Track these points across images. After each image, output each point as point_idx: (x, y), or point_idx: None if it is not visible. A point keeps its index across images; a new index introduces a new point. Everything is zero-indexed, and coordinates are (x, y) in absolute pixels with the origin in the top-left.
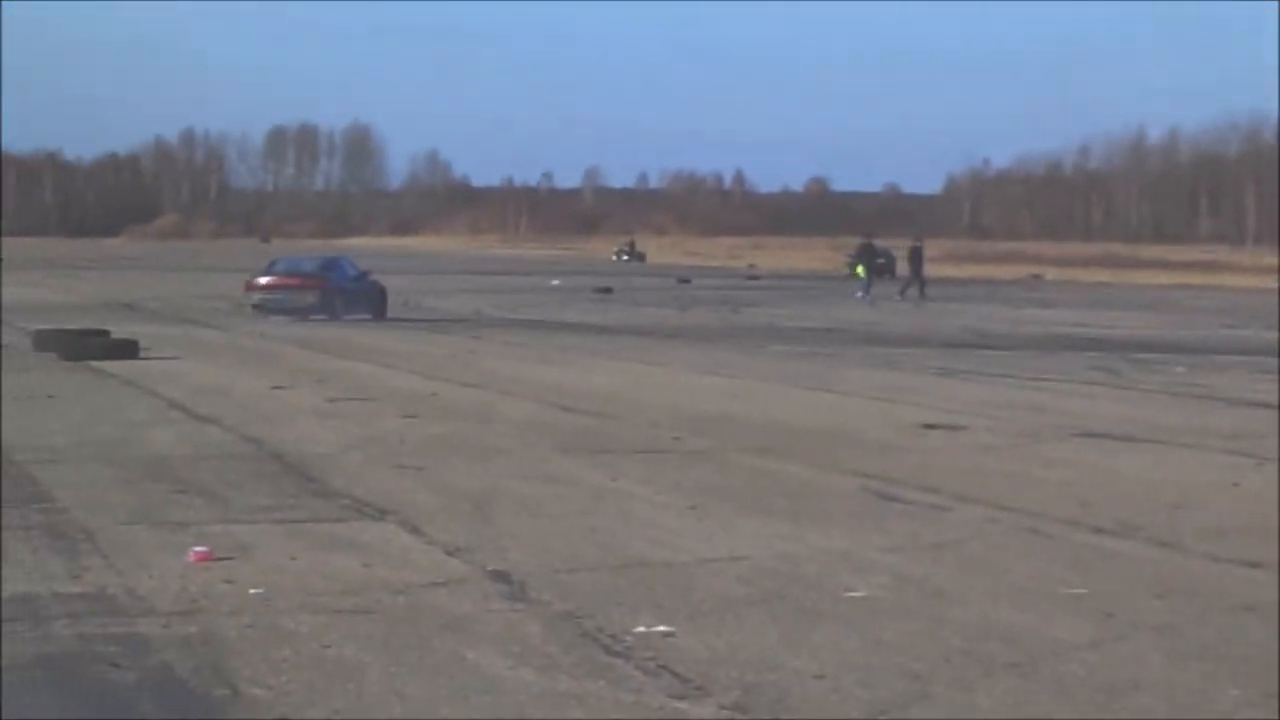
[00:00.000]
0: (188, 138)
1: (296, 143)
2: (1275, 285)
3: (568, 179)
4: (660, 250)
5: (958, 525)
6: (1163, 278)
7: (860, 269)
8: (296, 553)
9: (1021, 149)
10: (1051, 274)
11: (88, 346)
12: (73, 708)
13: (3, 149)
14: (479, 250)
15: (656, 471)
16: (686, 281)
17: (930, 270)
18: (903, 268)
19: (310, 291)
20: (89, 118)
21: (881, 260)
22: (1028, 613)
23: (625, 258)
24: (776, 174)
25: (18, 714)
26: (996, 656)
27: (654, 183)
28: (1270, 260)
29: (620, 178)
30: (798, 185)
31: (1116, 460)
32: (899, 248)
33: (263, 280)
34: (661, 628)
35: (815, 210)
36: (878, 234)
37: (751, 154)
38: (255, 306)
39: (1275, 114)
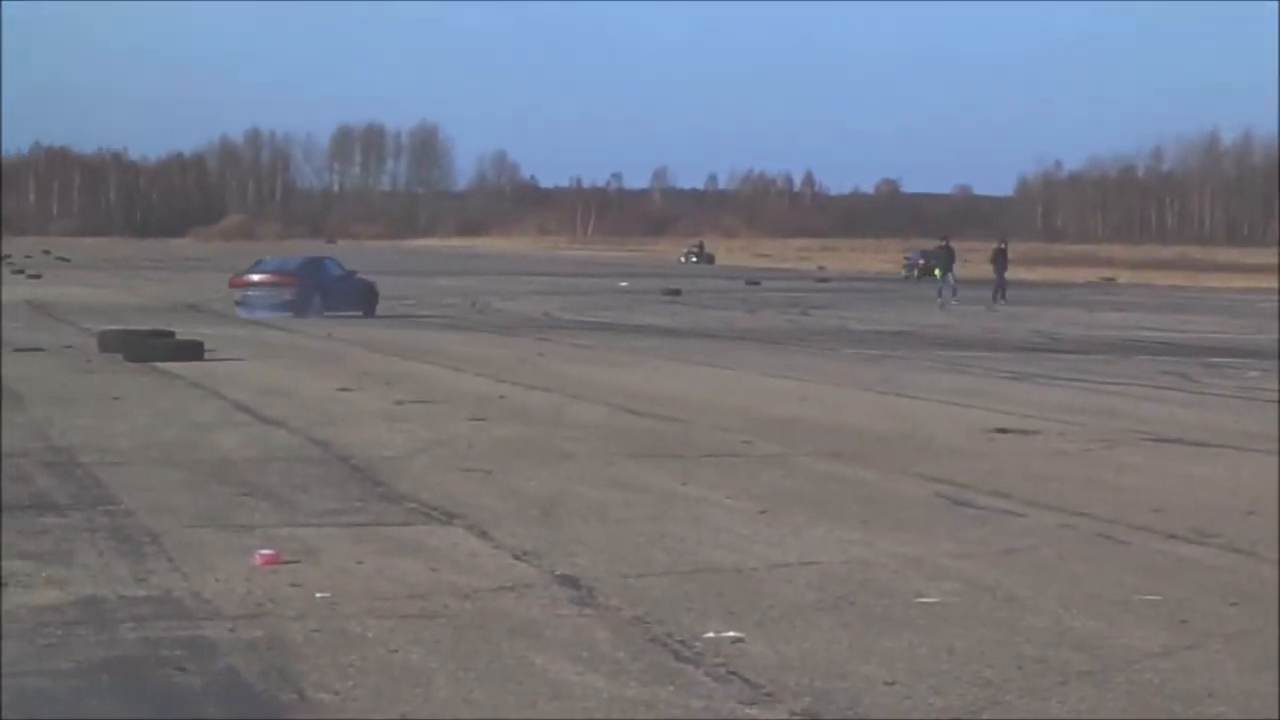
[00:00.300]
0: (253, 138)
1: (363, 143)
2: None
3: (636, 180)
4: (729, 252)
5: (1030, 531)
6: (1237, 281)
7: (938, 271)
8: (363, 556)
9: (1094, 151)
10: (1124, 277)
11: (153, 348)
12: (138, 711)
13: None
14: (546, 251)
15: (726, 476)
16: (755, 284)
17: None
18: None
19: (287, 289)
20: (154, 118)
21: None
22: (1100, 620)
23: (694, 260)
24: (847, 175)
25: (83, 716)
26: (1069, 664)
27: (723, 184)
28: None
29: (689, 179)
30: (868, 187)
31: (1190, 466)
32: (979, 251)
33: (245, 278)
34: (731, 633)
35: (886, 212)
36: (952, 236)
37: (822, 155)
38: (238, 303)
39: None
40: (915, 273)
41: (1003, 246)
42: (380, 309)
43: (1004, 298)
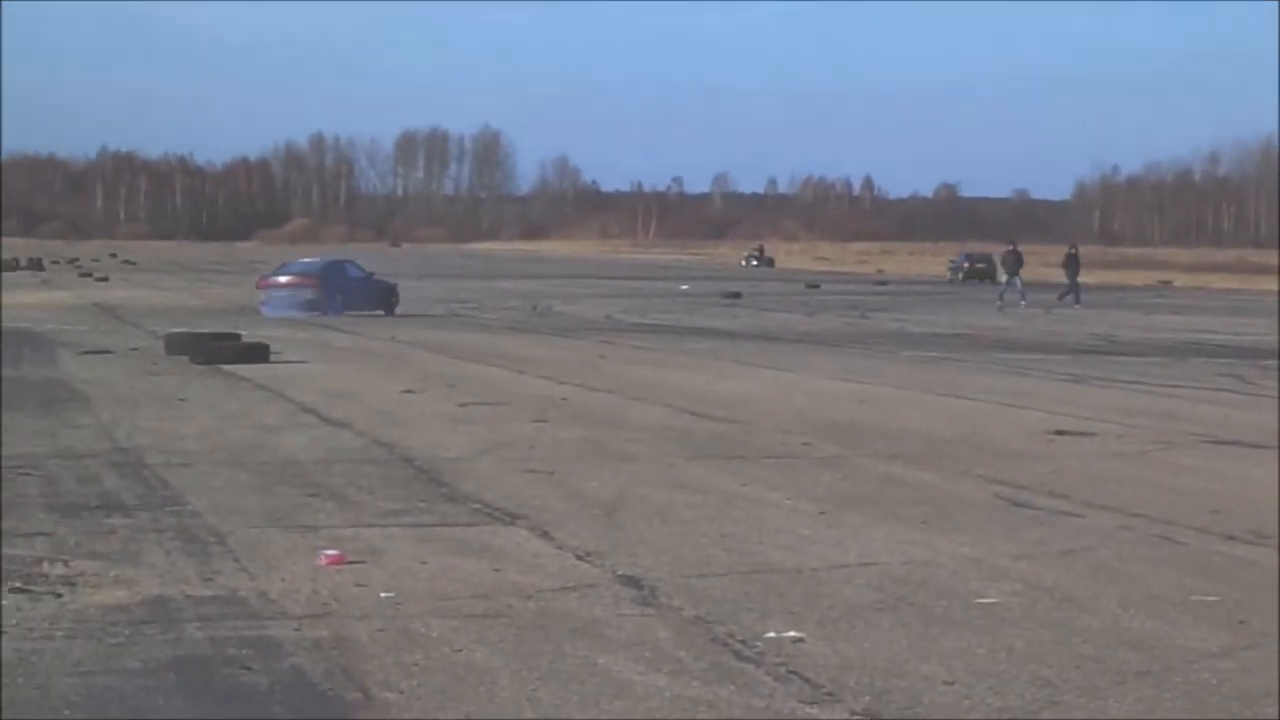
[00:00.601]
0: (318, 143)
1: (426, 147)
2: None
3: (697, 184)
4: (789, 256)
5: (1088, 532)
6: None
7: (1005, 275)
8: (427, 557)
9: (1151, 155)
10: (1181, 280)
11: (219, 350)
12: (205, 710)
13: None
14: (608, 255)
15: (786, 477)
16: (815, 287)
17: (1059, 276)
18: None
19: (309, 289)
20: (220, 122)
21: (982, 265)
22: (1159, 620)
23: (754, 263)
24: (906, 179)
25: (152, 716)
26: (1128, 664)
27: (783, 188)
28: None
29: (750, 183)
30: (927, 191)
31: (1247, 468)
32: (1035, 255)
33: (271, 279)
34: (792, 633)
35: (944, 216)
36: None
37: (881, 159)
38: (262, 303)
39: None
40: (960, 275)
41: (1074, 251)
42: (443, 311)
43: (1078, 301)
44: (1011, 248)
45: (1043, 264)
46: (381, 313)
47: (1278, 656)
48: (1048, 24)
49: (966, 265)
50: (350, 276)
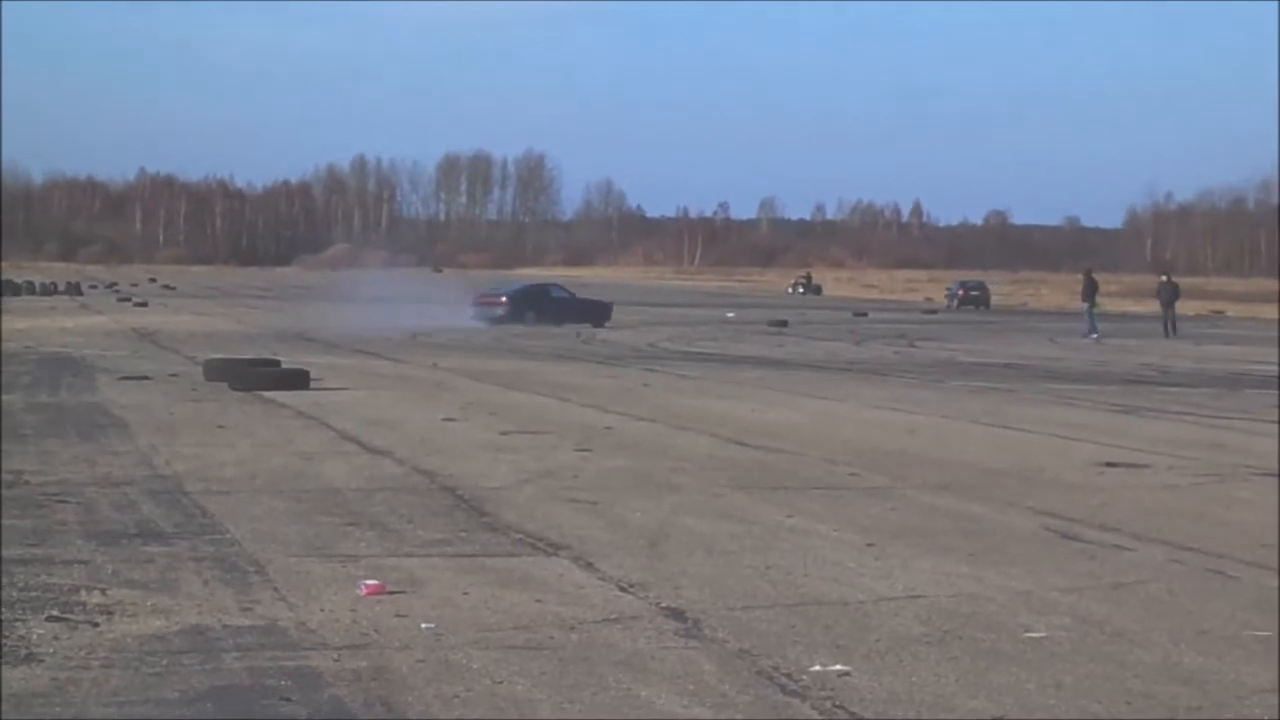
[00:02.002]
0: (359, 166)
1: (470, 171)
2: None
3: (744, 210)
4: (837, 283)
5: (1139, 566)
6: None
7: (1099, 301)
8: (468, 587)
9: (1204, 183)
10: (1233, 310)
11: (258, 376)
12: None
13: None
14: (653, 282)
15: (833, 508)
16: (863, 315)
17: (1111, 305)
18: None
19: (500, 308)
20: (260, 145)
21: (976, 292)
22: (1210, 656)
23: (801, 290)
24: (956, 206)
25: None
26: (1179, 700)
27: (831, 214)
28: None
29: (797, 209)
30: (977, 218)
31: None
32: (1106, 284)
33: (483, 297)
34: (838, 667)
35: (995, 243)
36: (1060, 267)
37: (930, 186)
38: (472, 315)
39: None
40: (954, 303)
41: (1170, 281)
42: (484, 339)
43: (1174, 331)
44: (1087, 273)
45: (1107, 293)
46: (589, 325)
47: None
48: (1100, 49)
49: (960, 293)
50: (552, 297)
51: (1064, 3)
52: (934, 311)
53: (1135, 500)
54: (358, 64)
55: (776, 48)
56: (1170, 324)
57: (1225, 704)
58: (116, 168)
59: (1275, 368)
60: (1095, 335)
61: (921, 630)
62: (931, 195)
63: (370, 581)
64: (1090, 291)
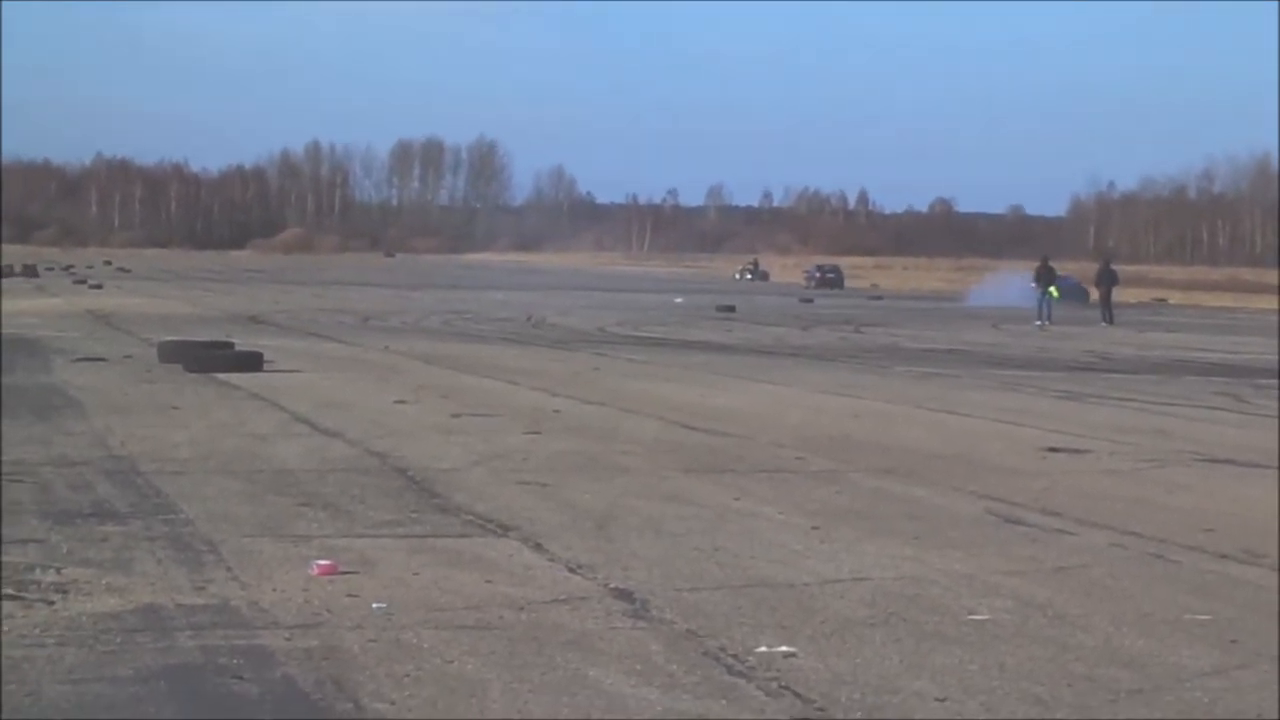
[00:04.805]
0: (313, 151)
1: (422, 157)
2: None
3: (692, 197)
4: (784, 269)
5: (1081, 550)
6: None
7: (1054, 290)
8: (419, 567)
9: (1146, 172)
10: (1176, 298)
11: (212, 358)
12: (196, 719)
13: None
14: (602, 267)
15: (780, 491)
16: (809, 301)
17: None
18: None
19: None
20: (215, 130)
21: (832, 275)
22: (1151, 638)
23: (748, 276)
24: (901, 194)
25: None
26: (1120, 682)
27: (778, 201)
28: None
29: (744, 196)
30: (922, 205)
31: (1241, 487)
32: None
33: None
34: (784, 648)
35: (939, 231)
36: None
37: (876, 174)
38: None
39: None
40: (813, 284)
41: (1109, 267)
42: (436, 323)
43: (1110, 318)
44: (1044, 262)
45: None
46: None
47: (1277, 676)
48: (1044, 40)
49: (819, 275)
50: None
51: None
52: (880, 298)
53: (1077, 485)
54: (311, 52)
55: (726, 42)
56: (1108, 309)
57: (1166, 686)
58: (72, 151)
59: (1217, 355)
60: (1039, 324)
61: (866, 612)
62: (877, 183)
63: (322, 561)
64: (1047, 279)
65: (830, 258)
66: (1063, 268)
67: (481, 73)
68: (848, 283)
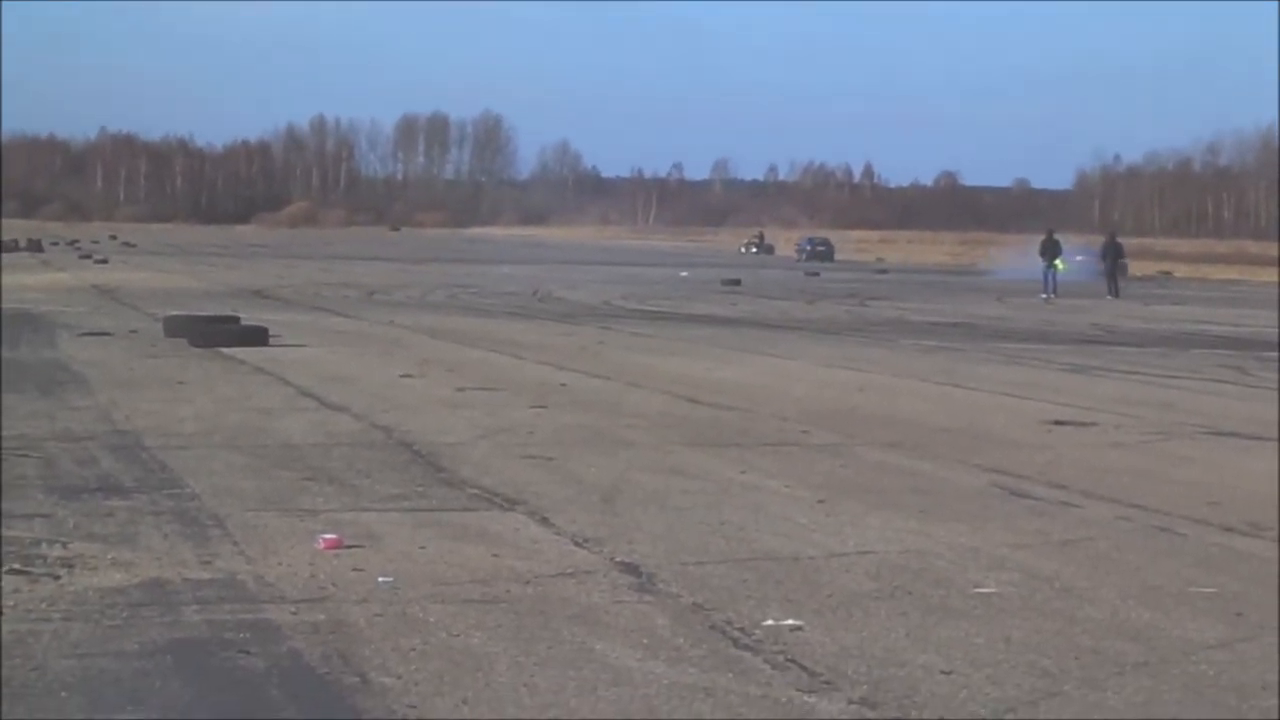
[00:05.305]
0: (318, 125)
1: (427, 131)
2: None
3: (697, 171)
4: (789, 243)
5: (1087, 523)
6: None
7: (1060, 262)
8: (425, 541)
9: (1152, 145)
10: (1181, 271)
11: (218, 333)
12: (202, 693)
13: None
14: (608, 241)
15: (785, 465)
16: (815, 274)
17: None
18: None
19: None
20: (221, 104)
21: (822, 248)
22: (1157, 611)
23: (754, 250)
24: (907, 168)
25: (149, 699)
26: (1125, 655)
27: (784, 175)
28: None
29: (750, 170)
30: (928, 179)
31: (1246, 459)
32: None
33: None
34: (790, 621)
35: (945, 204)
36: (1009, 229)
37: (882, 147)
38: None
39: None
40: (804, 256)
41: (1113, 238)
42: (441, 297)
43: (1116, 291)
44: (1050, 234)
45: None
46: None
47: (1277, 649)
48: (1051, 16)
49: (809, 248)
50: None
51: None
52: (885, 272)
53: (1083, 458)
54: (316, 26)
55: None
56: (1113, 282)
57: (1171, 659)
58: (78, 126)
59: (1222, 329)
60: (1044, 296)
61: (872, 585)
62: (883, 157)
63: (328, 536)
64: (1052, 252)
65: (835, 232)
66: (1068, 241)
67: (487, 47)
68: (853, 257)
